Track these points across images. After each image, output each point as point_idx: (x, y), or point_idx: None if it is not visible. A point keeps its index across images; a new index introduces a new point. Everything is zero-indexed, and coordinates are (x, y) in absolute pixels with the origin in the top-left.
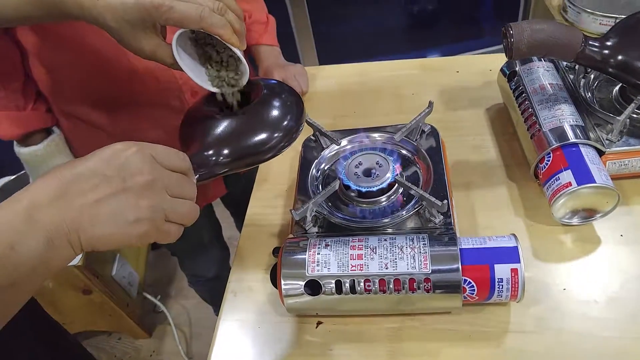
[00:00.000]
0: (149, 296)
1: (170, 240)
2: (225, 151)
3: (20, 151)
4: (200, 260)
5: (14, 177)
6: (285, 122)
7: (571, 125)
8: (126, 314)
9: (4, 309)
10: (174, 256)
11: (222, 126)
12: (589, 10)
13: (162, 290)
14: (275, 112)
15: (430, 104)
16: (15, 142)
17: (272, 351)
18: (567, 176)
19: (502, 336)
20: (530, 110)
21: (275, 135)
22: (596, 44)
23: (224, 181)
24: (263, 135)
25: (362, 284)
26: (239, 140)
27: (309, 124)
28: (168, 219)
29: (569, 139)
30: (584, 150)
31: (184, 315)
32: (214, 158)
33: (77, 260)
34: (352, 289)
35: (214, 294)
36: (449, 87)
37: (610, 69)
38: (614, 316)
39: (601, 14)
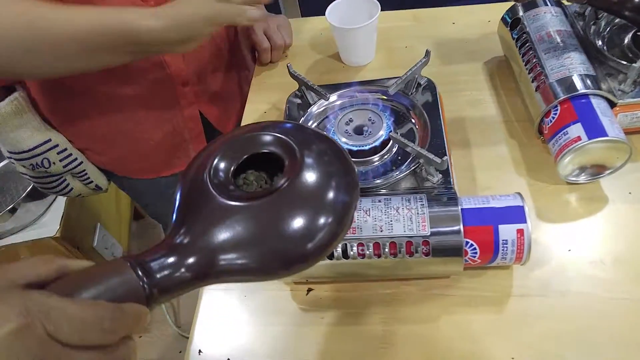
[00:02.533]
0: None
1: None
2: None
3: None
4: None
5: None
6: (335, 199)
7: (581, 75)
8: None
9: None
10: (159, 223)
11: (235, 221)
12: None
13: None
14: (318, 191)
15: (427, 53)
16: None
17: (259, 320)
18: (576, 130)
19: (504, 301)
20: (535, 60)
21: (320, 227)
22: None
23: (207, 142)
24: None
25: (355, 248)
26: (258, 245)
27: (294, 77)
28: None
29: (578, 90)
30: (594, 101)
31: None
32: (224, 262)
33: (53, 231)
34: (345, 254)
35: None
36: (444, 39)
37: (626, 12)
38: (621, 277)
39: None
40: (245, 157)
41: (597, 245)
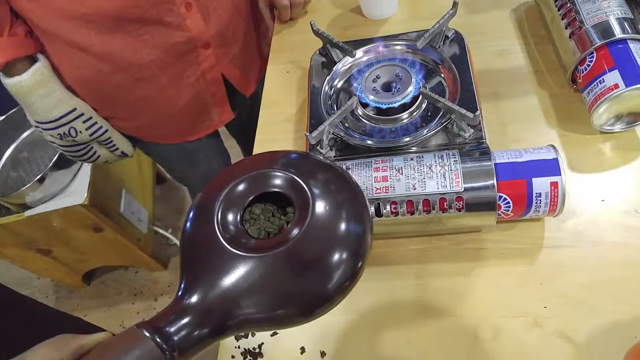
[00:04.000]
0: (160, 230)
1: None
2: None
3: (6, 82)
4: None
5: (3, 117)
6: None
7: (618, 19)
8: (139, 248)
9: None
10: (184, 186)
11: (246, 275)
12: None
13: (173, 223)
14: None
15: (455, 4)
16: (1, 73)
17: None
18: (613, 77)
19: (536, 252)
20: (569, 4)
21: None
22: None
23: (230, 105)
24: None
25: (388, 207)
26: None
27: (318, 34)
28: None
29: (615, 35)
30: (632, 46)
31: None
32: (238, 317)
33: (82, 199)
34: (378, 213)
35: None
36: None
37: None
38: None
39: None
40: (250, 199)
41: (631, 195)
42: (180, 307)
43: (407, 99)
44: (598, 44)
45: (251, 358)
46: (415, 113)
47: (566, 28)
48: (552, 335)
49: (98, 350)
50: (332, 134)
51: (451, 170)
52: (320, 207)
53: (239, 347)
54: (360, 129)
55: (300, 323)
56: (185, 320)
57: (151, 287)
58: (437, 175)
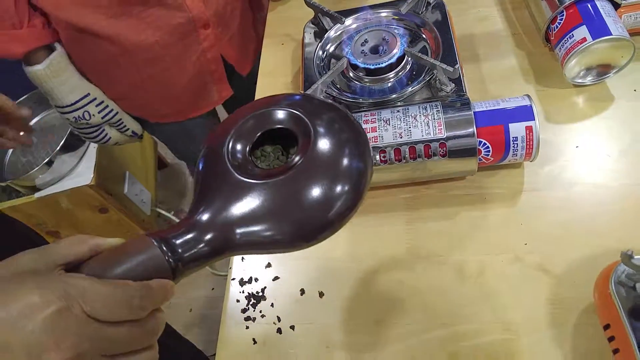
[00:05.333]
0: (163, 212)
1: None
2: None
3: (27, 70)
4: None
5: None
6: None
7: None
8: (143, 229)
9: None
10: (187, 163)
11: (252, 198)
12: None
13: (175, 205)
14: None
15: None
16: (22, 62)
17: None
18: (581, 32)
19: (516, 196)
20: None
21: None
22: None
23: (229, 82)
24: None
25: (377, 155)
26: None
27: (309, 4)
28: None
29: None
30: (599, 3)
31: None
32: (238, 236)
33: (89, 179)
34: None
35: None
36: None
37: None
38: (627, 167)
39: None
40: (258, 135)
41: (603, 141)
42: (188, 224)
43: (393, 59)
44: (567, 3)
45: (255, 301)
46: (400, 73)
47: None
48: (531, 268)
49: (109, 250)
50: (325, 93)
51: (434, 119)
52: (322, 140)
53: (243, 292)
54: (351, 89)
55: (302, 247)
56: (191, 235)
57: None
58: (422, 125)
